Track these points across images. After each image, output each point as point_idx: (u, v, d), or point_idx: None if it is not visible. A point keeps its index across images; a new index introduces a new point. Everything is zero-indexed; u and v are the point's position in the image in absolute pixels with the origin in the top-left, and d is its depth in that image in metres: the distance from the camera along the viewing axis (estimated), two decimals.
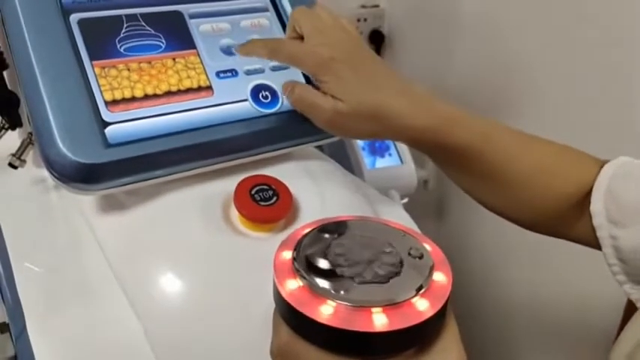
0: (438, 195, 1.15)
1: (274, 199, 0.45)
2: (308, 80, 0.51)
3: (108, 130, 0.43)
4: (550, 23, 0.87)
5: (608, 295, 0.83)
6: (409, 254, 0.35)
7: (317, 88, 0.47)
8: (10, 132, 0.52)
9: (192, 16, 0.50)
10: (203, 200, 0.46)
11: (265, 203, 0.45)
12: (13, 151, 0.50)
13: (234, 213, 0.45)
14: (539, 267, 0.97)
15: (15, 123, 0.52)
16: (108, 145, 0.42)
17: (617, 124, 0.80)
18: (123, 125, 0.43)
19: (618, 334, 0.84)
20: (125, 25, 0.47)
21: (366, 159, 0.83)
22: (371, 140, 0.84)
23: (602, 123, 0.82)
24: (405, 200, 0.84)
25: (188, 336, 0.41)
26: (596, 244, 0.49)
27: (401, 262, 0.34)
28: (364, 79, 0.46)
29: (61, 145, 0.41)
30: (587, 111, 0.84)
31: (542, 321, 1.00)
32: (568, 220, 0.50)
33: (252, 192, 0.45)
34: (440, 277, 0.34)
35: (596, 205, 0.47)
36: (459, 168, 0.50)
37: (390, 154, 0.85)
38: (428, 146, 0.48)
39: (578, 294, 0.92)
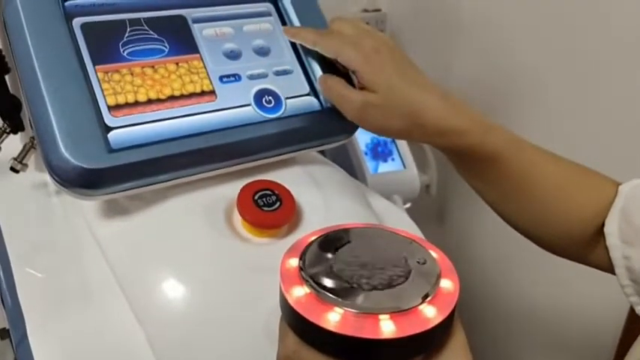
0: (439, 200, 1.15)
1: (277, 204, 0.45)
2: (311, 85, 0.51)
3: (111, 135, 0.42)
4: (551, 26, 0.87)
5: (611, 300, 0.83)
6: (416, 262, 0.35)
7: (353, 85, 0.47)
8: (11, 136, 0.52)
9: (196, 21, 0.49)
10: (206, 205, 0.46)
11: (268, 208, 0.45)
12: (15, 155, 0.50)
13: (237, 218, 0.45)
14: (541, 271, 0.97)
15: (17, 127, 0.51)
16: (111, 149, 0.42)
17: (620, 126, 0.80)
18: (126, 130, 0.43)
19: (620, 340, 0.84)
20: (128, 30, 0.47)
21: (368, 163, 0.83)
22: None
23: (605, 124, 0.82)
24: (408, 205, 0.83)
25: (190, 342, 0.41)
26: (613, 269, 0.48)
27: (408, 270, 0.34)
28: (405, 76, 0.46)
29: (63, 149, 0.40)
30: (589, 112, 0.84)
31: (543, 326, 1.00)
32: (587, 243, 0.50)
33: (256, 197, 0.45)
34: (447, 284, 0.34)
35: (610, 226, 0.47)
36: (485, 176, 0.50)
37: (392, 159, 0.85)
38: (458, 151, 0.48)
39: (580, 299, 0.92)
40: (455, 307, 0.33)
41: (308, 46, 0.50)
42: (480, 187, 0.52)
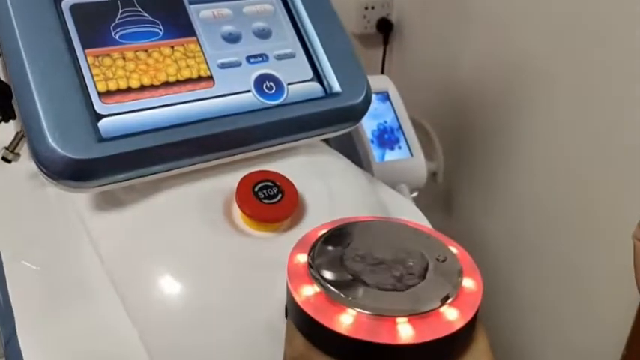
0: (446, 188, 1.13)
1: (279, 196, 0.43)
2: (315, 70, 0.49)
3: (101, 123, 0.41)
4: (559, 16, 0.85)
5: (621, 292, 0.81)
6: (435, 259, 0.32)
7: None
8: (4, 124, 0.50)
9: (192, 2, 0.47)
10: (203, 198, 0.44)
11: (269, 201, 0.43)
12: (7, 144, 0.48)
13: (237, 211, 0.44)
14: (551, 261, 0.95)
15: (8, 115, 0.50)
16: (101, 139, 0.40)
17: (627, 118, 0.78)
18: (117, 118, 0.41)
19: (630, 336, 0.82)
20: (120, 11, 0.45)
21: (374, 152, 0.80)
22: None
23: (611, 116, 0.80)
24: (415, 194, 0.81)
25: (186, 341, 0.40)
26: None
27: (426, 267, 0.32)
28: None
29: (50, 139, 0.38)
30: (597, 102, 0.82)
31: (553, 317, 0.98)
32: None
33: (256, 189, 0.43)
34: (469, 283, 0.32)
35: None
36: None
37: (399, 147, 0.82)
38: None
39: (590, 290, 0.90)
40: (478, 309, 0.31)
41: None
42: None
